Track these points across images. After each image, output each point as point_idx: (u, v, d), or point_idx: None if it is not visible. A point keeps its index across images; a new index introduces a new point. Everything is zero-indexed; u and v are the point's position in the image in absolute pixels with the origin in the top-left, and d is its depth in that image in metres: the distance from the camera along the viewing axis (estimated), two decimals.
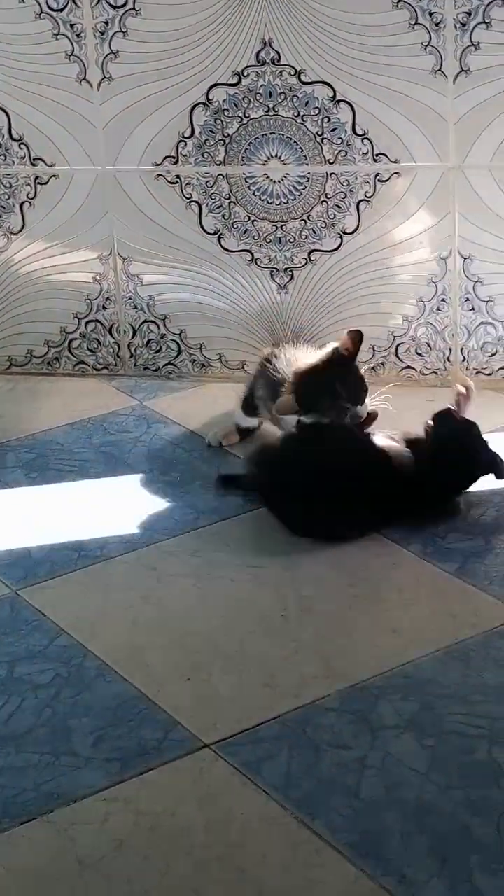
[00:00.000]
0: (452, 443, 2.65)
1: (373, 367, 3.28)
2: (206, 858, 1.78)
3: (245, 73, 3.12)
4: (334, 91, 3.07)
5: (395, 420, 3.01)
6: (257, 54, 3.09)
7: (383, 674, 2.15)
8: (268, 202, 3.23)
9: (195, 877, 1.75)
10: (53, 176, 3.31)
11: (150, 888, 1.73)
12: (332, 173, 3.16)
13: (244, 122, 3.15)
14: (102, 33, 3.15)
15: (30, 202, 3.35)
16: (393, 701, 2.08)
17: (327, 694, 2.11)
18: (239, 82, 3.13)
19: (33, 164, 3.32)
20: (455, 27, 2.96)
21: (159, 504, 2.76)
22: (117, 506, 2.77)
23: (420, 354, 3.27)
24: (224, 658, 2.22)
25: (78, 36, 3.17)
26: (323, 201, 3.19)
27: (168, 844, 1.81)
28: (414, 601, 2.37)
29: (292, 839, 1.80)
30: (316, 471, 2.59)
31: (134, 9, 3.11)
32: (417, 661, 2.18)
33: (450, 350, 3.25)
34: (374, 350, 3.29)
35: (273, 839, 1.80)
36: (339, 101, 3.08)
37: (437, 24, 2.96)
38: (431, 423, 2.68)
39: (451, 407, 2.70)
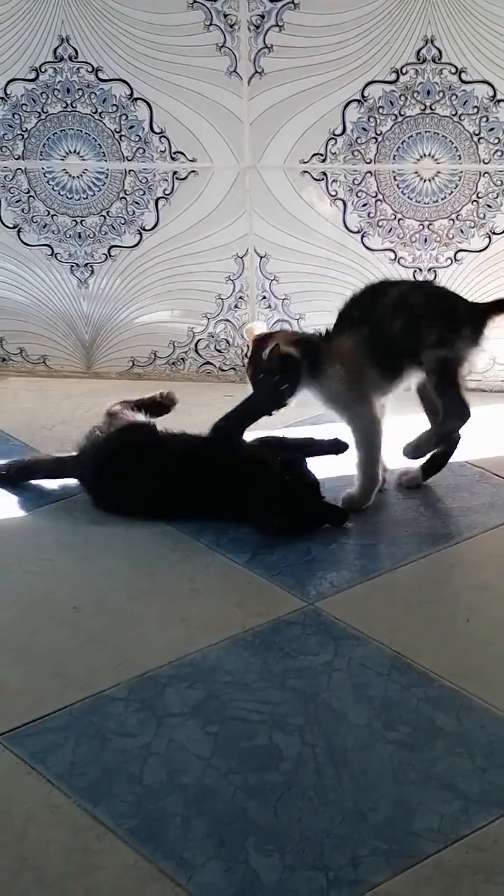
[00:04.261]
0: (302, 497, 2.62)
1: (172, 363, 3.33)
2: None
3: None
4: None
5: (193, 416, 3.07)
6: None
7: (171, 663, 2.18)
8: (68, 197, 3.25)
9: None
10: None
11: None
12: (130, 170, 3.19)
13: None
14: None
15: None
16: (179, 689, 2.12)
17: (116, 684, 2.14)
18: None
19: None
20: (249, 29, 3.02)
21: None
22: None
23: (219, 351, 3.33)
24: (13, 650, 2.23)
25: (231, 27, 3.04)
26: (122, 198, 3.22)
27: None
28: (204, 592, 2.42)
29: (74, 826, 1.83)
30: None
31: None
32: (205, 650, 2.22)
33: (248, 347, 3.31)
34: (174, 346, 3.33)
35: (55, 827, 1.83)
36: None
37: (230, 27, 3.03)
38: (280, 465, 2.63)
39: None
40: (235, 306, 3.27)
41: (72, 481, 2.77)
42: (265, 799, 1.86)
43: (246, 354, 2.45)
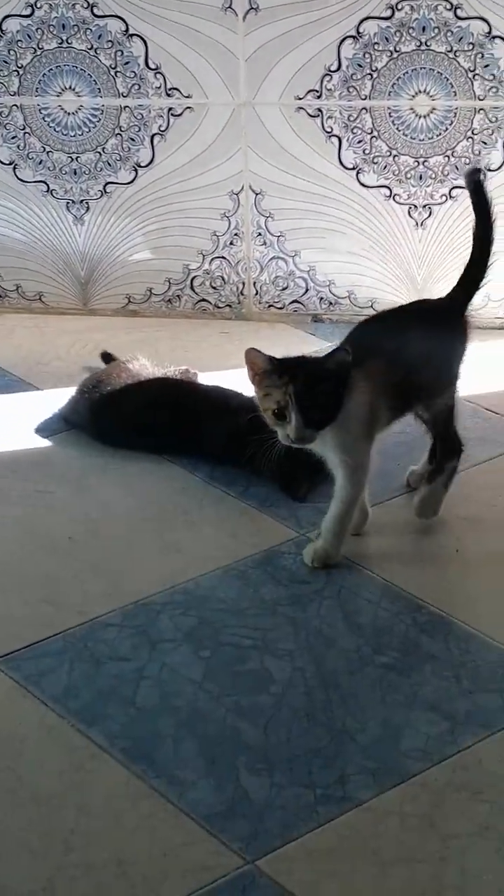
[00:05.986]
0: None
1: (168, 300, 3.35)
2: None
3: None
4: None
5: (189, 351, 3.09)
6: None
7: (165, 591, 2.22)
8: (63, 133, 3.25)
9: None
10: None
11: None
12: (125, 106, 3.20)
13: None
14: None
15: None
16: (173, 616, 2.15)
17: (110, 610, 2.17)
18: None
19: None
20: None
21: None
22: None
23: (214, 288, 3.34)
24: (8, 578, 2.27)
25: None
26: (117, 134, 3.23)
27: None
28: (198, 523, 2.45)
29: (69, 746, 1.87)
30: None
31: None
32: (198, 579, 2.26)
33: (243, 284, 3.33)
34: (169, 283, 3.35)
35: (50, 747, 1.87)
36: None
37: None
38: None
39: None
40: (231, 243, 3.28)
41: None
42: (256, 720, 1.90)
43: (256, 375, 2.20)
